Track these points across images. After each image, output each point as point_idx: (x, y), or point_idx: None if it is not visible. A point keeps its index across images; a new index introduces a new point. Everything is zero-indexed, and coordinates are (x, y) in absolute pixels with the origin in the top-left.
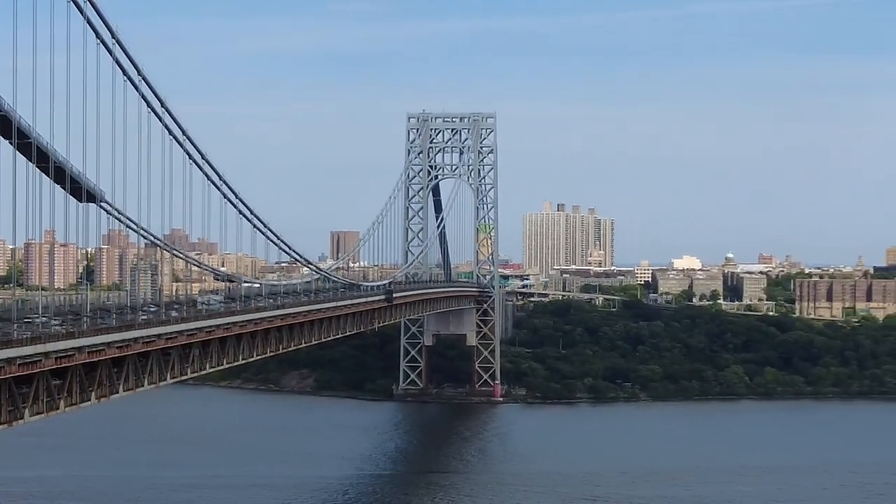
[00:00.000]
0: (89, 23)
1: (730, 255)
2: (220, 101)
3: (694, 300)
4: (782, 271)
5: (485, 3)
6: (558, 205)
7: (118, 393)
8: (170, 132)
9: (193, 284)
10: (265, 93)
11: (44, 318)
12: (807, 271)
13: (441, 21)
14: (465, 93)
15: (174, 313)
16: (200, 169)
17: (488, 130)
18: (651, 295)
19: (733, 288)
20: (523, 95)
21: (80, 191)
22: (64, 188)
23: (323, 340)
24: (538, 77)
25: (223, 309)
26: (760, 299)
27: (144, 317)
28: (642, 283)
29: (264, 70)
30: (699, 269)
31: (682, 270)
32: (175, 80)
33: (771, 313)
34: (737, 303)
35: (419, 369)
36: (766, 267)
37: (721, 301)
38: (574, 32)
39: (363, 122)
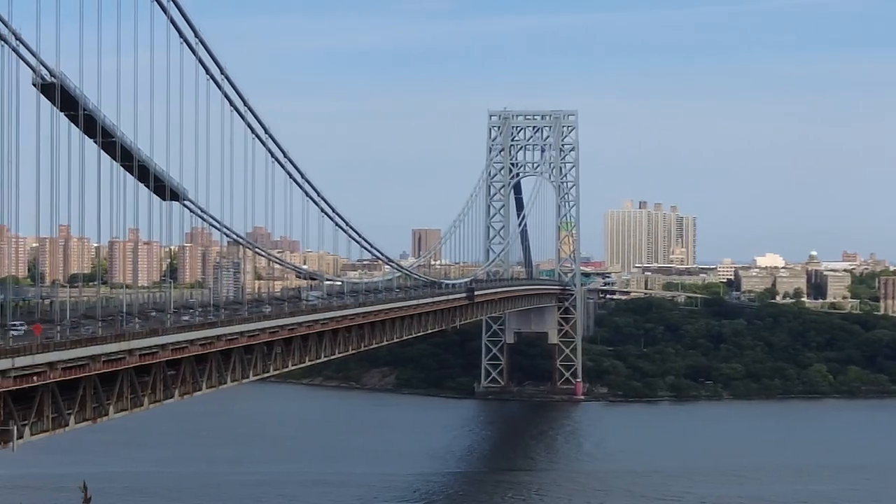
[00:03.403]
0: (173, 22)
1: (813, 253)
2: (297, 99)
3: (777, 298)
4: (866, 269)
5: None
6: (640, 202)
7: (201, 390)
8: (252, 131)
9: (275, 282)
10: (342, 90)
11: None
12: (891, 269)
13: (516, 17)
14: (543, 90)
15: (267, 309)
16: (282, 167)
17: (569, 128)
18: (733, 293)
19: (817, 286)
20: (603, 92)
21: (163, 189)
22: (148, 187)
23: (404, 338)
24: (618, 73)
25: (320, 304)
26: (844, 297)
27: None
28: (724, 280)
29: (340, 68)
30: (782, 267)
31: (765, 268)
32: (251, 77)
33: (855, 311)
34: (820, 301)
35: (500, 367)
36: (850, 264)
37: (804, 299)
38: (652, 28)
39: (443, 120)
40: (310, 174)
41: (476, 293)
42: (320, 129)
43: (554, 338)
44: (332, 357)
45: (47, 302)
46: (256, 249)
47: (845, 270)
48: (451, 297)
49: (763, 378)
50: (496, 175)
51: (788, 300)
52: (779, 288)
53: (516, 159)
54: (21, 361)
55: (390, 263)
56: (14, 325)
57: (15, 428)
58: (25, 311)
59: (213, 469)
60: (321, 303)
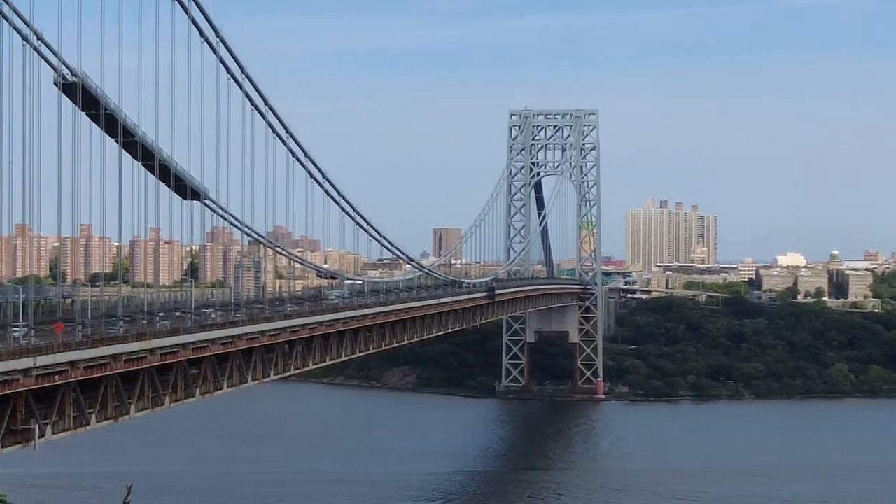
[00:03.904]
0: (194, 22)
1: (835, 252)
2: (319, 99)
3: (798, 297)
4: (888, 268)
5: None
6: (661, 201)
7: (222, 389)
8: (273, 130)
9: (296, 281)
10: (363, 90)
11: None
12: None
13: (537, 16)
14: (564, 89)
15: (289, 308)
16: (303, 166)
17: (590, 127)
18: (754, 292)
19: (839, 285)
20: (624, 91)
21: (184, 188)
22: (169, 186)
23: (425, 337)
24: (640, 72)
25: (341, 304)
26: (866, 296)
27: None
28: (746, 280)
29: (362, 67)
30: (804, 266)
31: (787, 267)
32: (273, 77)
33: (876, 311)
34: (842, 300)
35: (521, 366)
36: (872, 264)
37: (826, 298)
38: (673, 27)
39: (463, 119)
40: (330, 173)
41: (497, 292)
42: (341, 129)
43: (575, 337)
44: (353, 356)
45: (69, 301)
46: (277, 249)
47: (867, 270)
48: (471, 296)
49: (784, 377)
50: (517, 174)
51: (810, 299)
52: (800, 287)
53: (537, 158)
54: (43, 360)
55: (411, 263)
56: (16, 326)
57: (37, 427)
58: (47, 311)
59: (235, 468)
60: (342, 302)
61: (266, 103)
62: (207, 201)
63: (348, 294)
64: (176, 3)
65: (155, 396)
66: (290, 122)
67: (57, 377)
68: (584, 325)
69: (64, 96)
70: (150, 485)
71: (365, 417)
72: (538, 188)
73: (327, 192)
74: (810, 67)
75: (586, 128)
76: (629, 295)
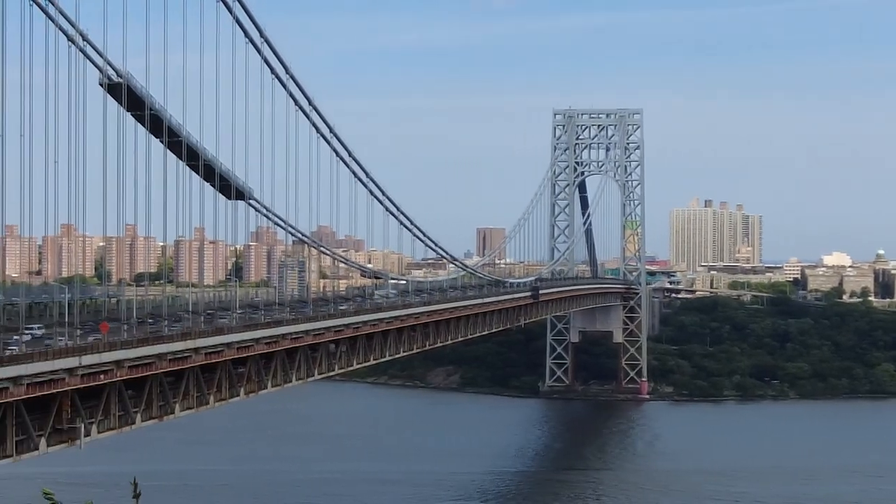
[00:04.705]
0: (238, 22)
1: (881, 252)
2: (363, 97)
3: (843, 297)
4: None
5: None
6: (706, 201)
7: (266, 388)
8: (317, 130)
9: (340, 281)
10: (407, 89)
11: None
12: None
13: (581, 14)
14: (609, 88)
15: (344, 306)
16: (347, 166)
17: (635, 126)
18: (800, 292)
19: (884, 285)
20: (669, 90)
21: (228, 188)
22: (213, 186)
23: (469, 337)
24: (684, 71)
25: (385, 303)
26: None
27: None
28: (791, 279)
29: (405, 66)
30: (849, 266)
31: (832, 267)
32: (316, 76)
33: None
34: (888, 300)
35: (565, 366)
36: None
37: (871, 298)
38: (717, 25)
39: (508, 118)
40: (374, 173)
41: (541, 292)
42: (385, 128)
43: (619, 337)
44: (397, 356)
45: (114, 301)
46: (321, 248)
47: None
48: (515, 295)
49: (830, 377)
50: (561, 174)
51: (855, 299)
52: (846, 287)
53: (581, 158)
54: (88, 360)
55: (455, 262)
56: (31, 327)
57: (82, 426)
58: (92, 310)
59: (278, 467)
60: (386, 301)
61: (310, 103)
62: (252, 201)
63: (394, 293)
64: (220, 3)
65: (199, 395)
66: (334, 121)
67: (102, 376)
68: (628, 324)
69: (109, 97)
70: (194, 483)
71: (408, 417)
72: (582, 188)
73: (371, 192)
74: (855, 65)
75: (630, 127)
76: (673, 294)
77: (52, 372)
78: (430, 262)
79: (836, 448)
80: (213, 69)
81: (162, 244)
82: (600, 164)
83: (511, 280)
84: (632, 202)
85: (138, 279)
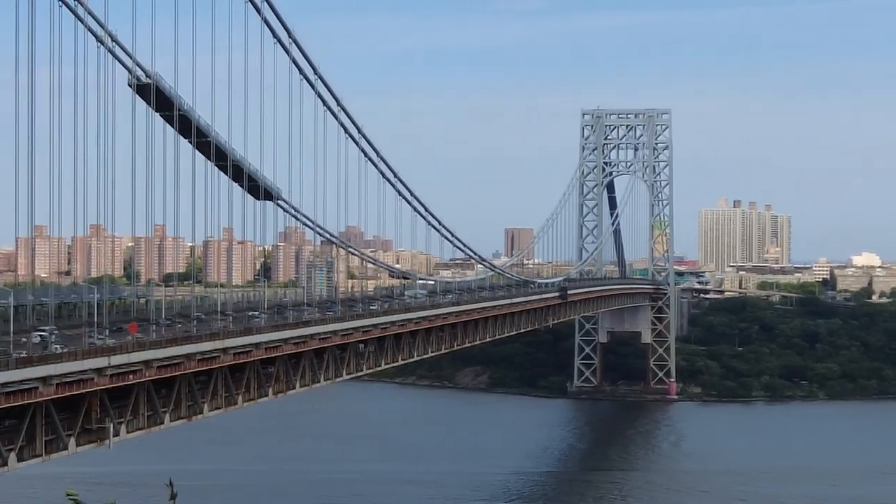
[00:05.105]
0: (267, 23)
1: None
2: (390, 97)
3: (873, 298)
4: None
5: None
6: (734, 201)
7: (294, 388)
8: (345, 130)
9: (368, 281)
10: (434, 89)
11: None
12: None
13: (609, 15)
14: (637, 88)
15: (373, 307)
16: (375, 166)
17: (663, 126)
18: (829, 292)
19: None
20: (696, 90)
21: (257, 189)
22: (242, 186)
23: (497, 337)
24: (712, 71)
25: (414, 303)
26: None
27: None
28: (820, 280)
29: (432, 67)
30: (879, 266)
31: (861, 267)
32: (344, 76)
33: None
34: None
35: (594, 367)
36: None
37: None
38: (745, 26)
39: (536, 118)
40: (402, 173)
41: (569, 292)
42: (413, 128)
43: (647, 337)
44: (425, 356)
45: (143, 301)
46: (349, 249)
47: None
48: (544, 296)
49: (859, 378)
50: (589, 174)
51: (885, 300)
52: (875, 287)
53: (609, 158)
54: (117, 360)
55: (483, 262)
56: (42, 329)
57: (111, 426)
58: (121, 310)
59: (307, 467)
60: (414, 301)
61: (339, 103)
62: (280, 202)
63: (423, 293)
64: (249, 4)
65: (228, 396)
66: (362, 121)
67: (131, 376)
68: (656, 325)
69: (138, 97)
70: (226, 483)
71: (435, 417)
72: (610, 188)
73: (399, 192)
74: (882, 65)
75: (659, 127)
76: (702, 295)
77: (81, 372)
78: (458, 262)
79: (866, 449)
80: (241, 70)
81: (191, 244)
82: (629, 164)
83: (539, 280)
84: (660, 202)
85: (167, 279)
